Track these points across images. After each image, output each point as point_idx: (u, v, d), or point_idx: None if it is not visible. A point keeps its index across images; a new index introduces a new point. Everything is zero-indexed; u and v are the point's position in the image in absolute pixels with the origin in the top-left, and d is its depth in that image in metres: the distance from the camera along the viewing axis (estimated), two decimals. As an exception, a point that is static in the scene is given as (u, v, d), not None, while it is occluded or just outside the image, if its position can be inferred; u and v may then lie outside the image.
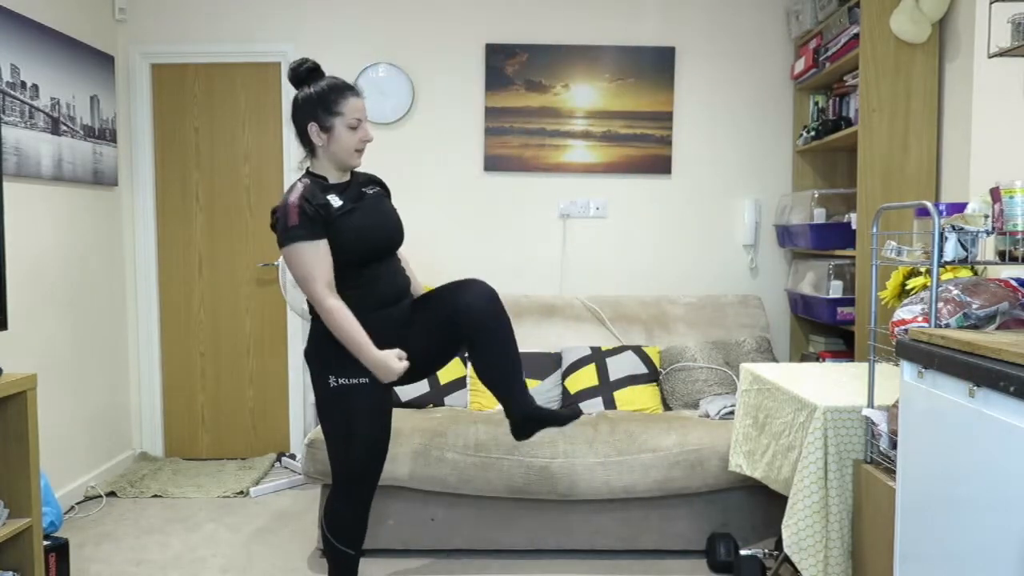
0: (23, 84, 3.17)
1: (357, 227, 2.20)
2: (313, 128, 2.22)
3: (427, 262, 3.73)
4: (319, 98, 2.21)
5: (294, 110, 2.26)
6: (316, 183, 2.22)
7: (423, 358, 2.29)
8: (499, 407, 3.06)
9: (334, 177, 2.27)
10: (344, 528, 2.31)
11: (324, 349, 2.22)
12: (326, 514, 2.35)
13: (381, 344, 2.19)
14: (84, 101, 3.63)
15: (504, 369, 2.26)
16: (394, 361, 2.18)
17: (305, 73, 2.24)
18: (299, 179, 2.25)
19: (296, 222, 2.12)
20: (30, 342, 3.20)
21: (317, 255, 2.14)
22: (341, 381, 2.20)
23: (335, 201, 2.19)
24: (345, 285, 2.20)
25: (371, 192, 2.32)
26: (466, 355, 2.58)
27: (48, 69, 3.34)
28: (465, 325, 2.21)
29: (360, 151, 2.26)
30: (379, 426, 2.28)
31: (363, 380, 2.19)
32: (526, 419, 2.28)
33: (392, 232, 2.32)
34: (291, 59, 3.99)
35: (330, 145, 2.23)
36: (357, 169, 2.36)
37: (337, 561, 2.34)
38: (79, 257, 3.62)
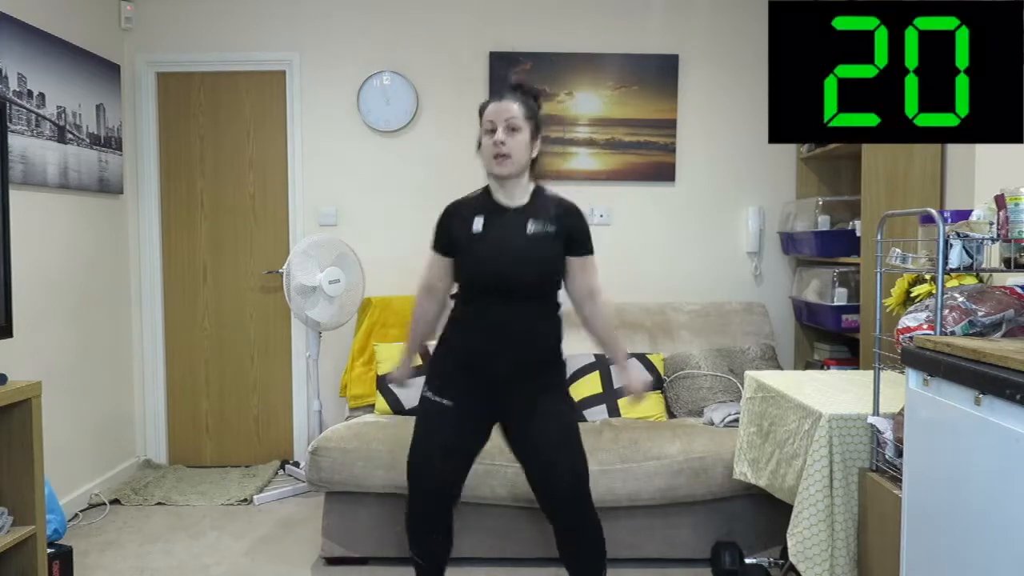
0: (30, 93, 3.19)
1: (473, 260, 2.18)
2: None
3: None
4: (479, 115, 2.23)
5: None
6: (482, 197, 2.24)
7: (474, 441, 2.28)
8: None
9: (502, 193, 2.20)
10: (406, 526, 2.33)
11: (432, 361, 2.31)
12: None
13: (455, 371, 2.23)
14: (90, 109, 3.64)
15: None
16: (403, 371, 2.41)
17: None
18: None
19: (435, 231, 2.28)
20: (35, 349, 3.21)
21: (431, 260, 2.29)
22: (429, 394, 2.26)
23: (476, 225, 2.17)
24: (459, 299, 2.27)
25: (531, 230, 2.15)
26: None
27: (54, 78, 3.36)
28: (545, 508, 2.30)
29: (499, 156, 2.12)
30: (440, 451, 2.23)
31: (447, 402, 2.22)
32: None
33: (508, 279, 2.14)
34: (296, 68, 4.01)
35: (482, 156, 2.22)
36: (553, 197, 2.24)
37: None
38: (84, 265, 3.63)
